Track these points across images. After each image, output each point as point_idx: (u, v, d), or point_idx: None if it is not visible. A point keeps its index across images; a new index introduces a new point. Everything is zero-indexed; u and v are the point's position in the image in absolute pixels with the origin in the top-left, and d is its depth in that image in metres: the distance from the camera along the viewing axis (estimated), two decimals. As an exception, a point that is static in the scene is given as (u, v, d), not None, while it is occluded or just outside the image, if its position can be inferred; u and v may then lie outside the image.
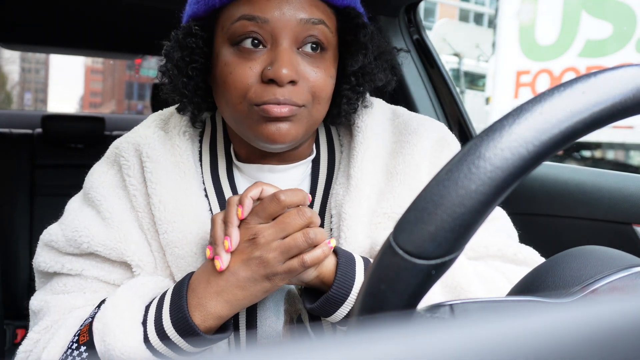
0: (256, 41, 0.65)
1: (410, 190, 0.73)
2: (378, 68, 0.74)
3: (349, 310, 0.64)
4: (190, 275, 0.66)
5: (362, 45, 0.71)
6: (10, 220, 1.92)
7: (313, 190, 0.78)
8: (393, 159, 0.76)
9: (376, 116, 0.79)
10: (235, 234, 0.61)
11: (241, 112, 0.67)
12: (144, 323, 0.64)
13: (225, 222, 0.62)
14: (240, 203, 0.62)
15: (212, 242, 0.63)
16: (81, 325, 0.67)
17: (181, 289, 0.64)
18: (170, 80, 0.71)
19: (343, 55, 0.74)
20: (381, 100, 0.84)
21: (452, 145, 0.80)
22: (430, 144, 0.76)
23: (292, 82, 0.65)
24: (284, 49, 0.64)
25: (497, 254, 0.73)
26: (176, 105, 0.76)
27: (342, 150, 0.81)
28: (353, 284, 0.63)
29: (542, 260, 0.74)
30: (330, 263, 0.64)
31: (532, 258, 0.73)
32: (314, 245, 0.61)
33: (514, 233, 0.81)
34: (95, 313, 0.66)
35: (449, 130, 0.82)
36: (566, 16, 7.87)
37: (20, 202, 1.96)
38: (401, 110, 0.83)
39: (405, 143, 0.76)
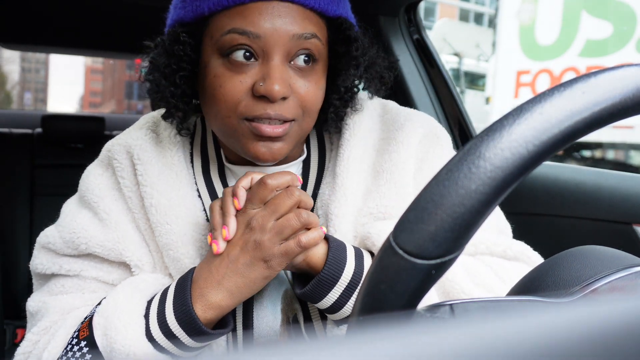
0: (247, 54, 0.63)
1: (396, 188, 0.72)
2: (367, 80, 0.74)
3: (338, 295, 0.64)
4: (193, 270, 0.66)
5: (354, 59, 0.70)
6: (10, 220, 1.92)
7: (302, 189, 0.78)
8: (380, 157, 0.75)
9: (365, 113, 0.78)
10: (232, 222, 0.62)
11: (230, 125, 0.66)
12: (146, 316, 0.64)
13: (223, 212, 0.63)
14: (235, 194, 0.63)
15: (212, 229, 0.64)
16: (81, 322, 0.67)
17: (185, 283, 0.64)
18: (157, 88, 0.69)
19: (333, 66, 0.72)
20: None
21: (442, 139, 0.78)
22: (417, 140, 0.75)
23: (284, 98, 0.64)
24: (276, 65, 0.63)
25: (485, 251, 0.73)
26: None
27: (332, 148, 0.80)
28: (344, 267, 0.64)
29: (534, 254, 0.74)
30: (320, 248, 0.65)
31: (523, 253, 0.73)
32: (308, 227, 0.62)
33: (506, 228, 0.80)
34: (96, 309, 0.66)
35: (438, 124, 0.80)
36: (566, 16, 7.87)
37: (20, 202, 1.96)
38: (391, 104, 0.82)
39: (392, 140, 0.75)
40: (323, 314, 0.72)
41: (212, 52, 0.65)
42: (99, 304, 0.67)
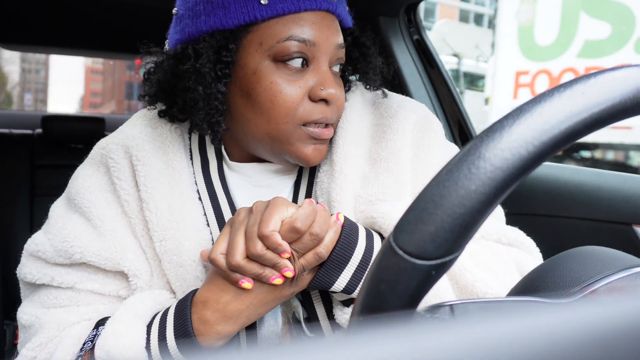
0: (304, 61, 0.67)
1: (394, 176, 0.73)
2: (373, 76, 0.80)
3: (350, 277, 0.63)
4: (191, 295, 0.65)
5: (370, 63, 0.77)
6: (10, 221, 1.92)
7: (298, 181, 0.78)
8: (376, 144, 0.75)
9: (357, 97, 0.79)
10: (290, 264, 0.60)
11: (285, 131, 0.67)
12: (147, 348, 0.63)
13: (273, 253, 0.59)
14: (277, 250, 0.59)
15: (243, 272, 0.60)
16: (81, 350, 0.65)
17: (184, 312, 0.63)
18: (204, 96, 0.66)
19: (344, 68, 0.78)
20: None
21: (434, 125, 0.80)
22: (411, 126, 0.76)
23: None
24: (327, 71, 0.68)
25: (479, 239, 0.73)
26: (178, 121, 0.75)
27: None
28: (355, 245, 0.63)
29: (527, 239, 0.75)
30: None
31: (517, 239, 0.73)
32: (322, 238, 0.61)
33: (500, 213, 0.81)
34: (94, 336, 0.65)
35: (429, 110, 0.82)
36: (565, 17, 7.88)
37: (20, 203, 1.95)
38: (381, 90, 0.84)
39: (387, 127, 0.76)
40: (322, 311, 0.72)
41: (262, 58, 0.66)
42: (96, 327, 0.66)
